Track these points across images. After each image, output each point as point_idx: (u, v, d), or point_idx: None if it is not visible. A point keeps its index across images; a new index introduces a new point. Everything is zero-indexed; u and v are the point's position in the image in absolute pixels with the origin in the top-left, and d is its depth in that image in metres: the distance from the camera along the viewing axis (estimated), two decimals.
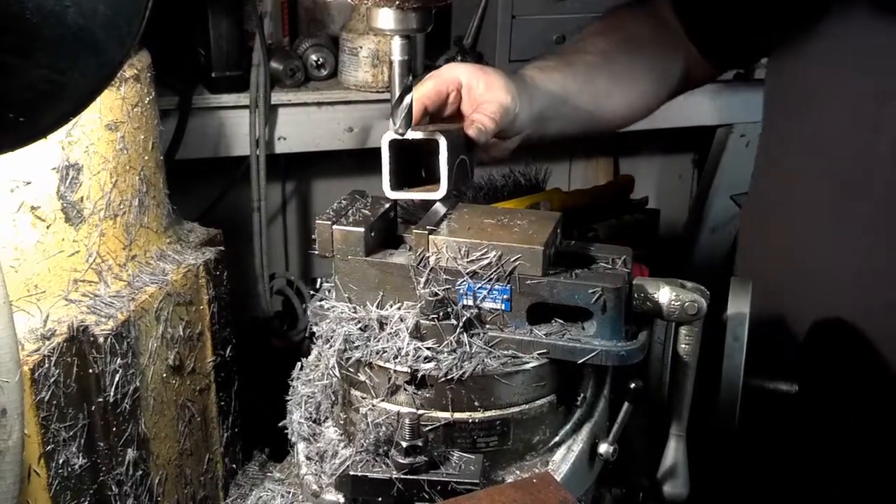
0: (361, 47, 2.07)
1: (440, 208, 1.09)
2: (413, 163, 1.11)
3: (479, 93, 1.21)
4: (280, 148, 2.11)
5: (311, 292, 2.31)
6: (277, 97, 2.07)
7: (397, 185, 1.09)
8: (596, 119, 1.46)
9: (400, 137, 1.07)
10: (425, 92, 1.19)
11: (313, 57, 2.13)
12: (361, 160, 2.19)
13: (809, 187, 1.37)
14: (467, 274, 0.99)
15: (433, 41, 2.17)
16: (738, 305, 1.08)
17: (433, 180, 1.09)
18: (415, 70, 1.99)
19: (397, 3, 1.01)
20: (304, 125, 2.11)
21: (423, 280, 1.00)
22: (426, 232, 1.01)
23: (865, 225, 1.28)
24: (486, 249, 0.99)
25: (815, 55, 1.33)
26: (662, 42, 1.50)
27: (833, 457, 1.32)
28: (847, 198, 1.30)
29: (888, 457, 1.28)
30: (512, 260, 0.98)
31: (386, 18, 1.04)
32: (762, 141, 1.54)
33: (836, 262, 1.31)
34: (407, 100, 1.08)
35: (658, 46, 1.49)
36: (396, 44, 1.06)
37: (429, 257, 1.01)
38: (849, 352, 1.28)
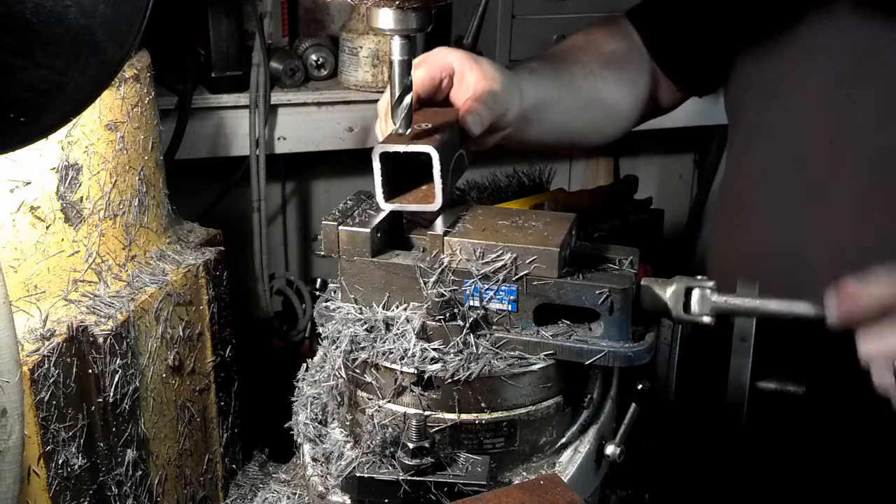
0: (361, 47, 2.06)
1: (454, 209, 1.08)
2: (407, 167, 1.08)
3: (472, 81, 1.19)
4: (280, 148, 2.11)
5: (313, 293, 2.31)
6: (277, 97, 2.06)
7: (391, 194, 1.06)
8: (571, 131, 1.46)
9: (391, 150, 1.04)
10: (419, 79, 1.16)
11: (313, 57, 2.12)
12: (361, 160, 2.18)
13: (779, 178, 1.37)
14: (482, 275, 0.98)
15: (433, 41, 2.16)
16: None
17: (430, 180, 1.06)
18: None
19: (397, 2, 1.01)
20: (304, 125, 2.11)
21: (432, 281, 0.99)
22: (441, 233, 1.01)
23: (837, 213, 1.29)
24: (501, 251, 0.98)
25: (781, 56, 1.34)
26: (632, 60, 1.52)
27: (839, 458, 1.32)
28: (818, 187, 1.30)
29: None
30: (528, 262, 0.98)
31: (386, 18, 1.04)
32: (729, 140, 1.55)
33: (809, 252, 1.31)
34: (407, 100, 1.08)
35: (628, 64, 1.51)
36: (396, 44, 1.06)
37: (443, 259, 1.00)
38: (843, 348, 1.28)
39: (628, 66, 1.51)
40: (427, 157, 1.03)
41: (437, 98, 1.21)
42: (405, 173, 1.08)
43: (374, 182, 1.05)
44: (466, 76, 1.19)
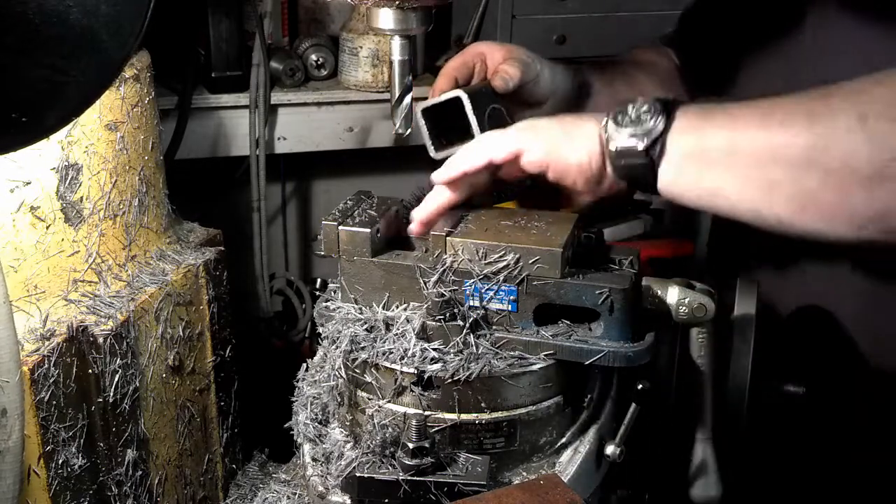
0: (361, 47, 2.06)
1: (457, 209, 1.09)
2: (450, 125, 1.18)
3: (500, 56, 1.30)
4: (280, 148, 2.11)
5: (313, 293, 2.30)
6: (277, 97, 2.06)
7: (440, 146, 1.19)
8: None
9: (429, 104, 1.16)
10: (453, 65, 1.30)
11: (313, 57, 2.12)
12: (361, 160, 2.18)
13: None
14: (483, 276, 0.99)
15: (433, 41, 2.16)
16: (745, 306, 1.08)
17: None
18: (415, 70, 1.98)
19: (397, 3, 1.02)
20: (304, 125, 2.10)
21: (432, 281, 0.99)
22: (444, 234, 1.01)
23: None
24: (504, 251, 0.98)
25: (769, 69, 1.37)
26: (670, 72, 1.56)
27: (840, 459, 1.32)
28: None
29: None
30: (531, 262, 0.98)
31: (386, 18, 1.05)
32: None
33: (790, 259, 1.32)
34: (407, 99, 1.09)
35: (666, 74, 1.55)
36: (396, 44, 1.07)
37: (446, 259, 1.00)
38: (842, 348, 1.28)
39: (666, 76, 1.56)
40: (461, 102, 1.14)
41: (472, 83, 1.31)
42: (450, 135, 1.20)
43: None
44: (495, 55, 1.31)
